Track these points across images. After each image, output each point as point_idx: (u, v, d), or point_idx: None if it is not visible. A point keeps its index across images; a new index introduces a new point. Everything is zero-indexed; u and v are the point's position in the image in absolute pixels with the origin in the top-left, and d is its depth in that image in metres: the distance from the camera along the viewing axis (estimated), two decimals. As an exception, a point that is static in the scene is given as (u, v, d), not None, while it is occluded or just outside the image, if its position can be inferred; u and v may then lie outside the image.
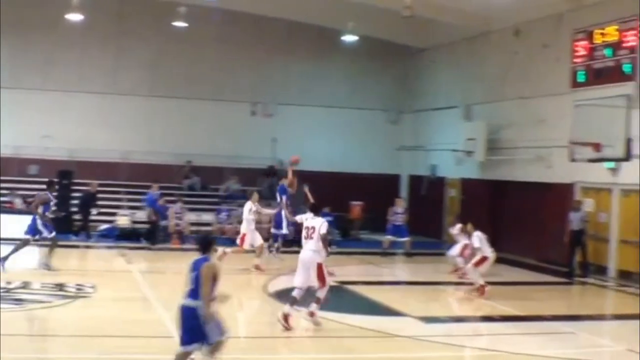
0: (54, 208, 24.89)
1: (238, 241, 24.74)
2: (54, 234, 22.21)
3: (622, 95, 22.55)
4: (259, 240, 24.80)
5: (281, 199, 26.52)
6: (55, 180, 25.42)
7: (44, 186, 23.29)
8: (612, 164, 25.38)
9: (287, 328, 15.65)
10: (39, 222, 22.05)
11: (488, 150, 31.79)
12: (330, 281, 16.90)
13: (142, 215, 31.77)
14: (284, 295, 19.95)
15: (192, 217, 32.12)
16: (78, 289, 19.25)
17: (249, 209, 24.88)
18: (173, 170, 36.59)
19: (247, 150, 36.98)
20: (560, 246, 26.59)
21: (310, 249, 16.30)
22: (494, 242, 32.59)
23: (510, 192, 31.39)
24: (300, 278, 16.29)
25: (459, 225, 24.52)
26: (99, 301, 18.27)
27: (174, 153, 36.45)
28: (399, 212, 29.89)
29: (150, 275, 23.19)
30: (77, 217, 31.58)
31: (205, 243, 11.47)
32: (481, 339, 16.50)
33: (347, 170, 38.09)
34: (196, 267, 11.06)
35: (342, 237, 33.36)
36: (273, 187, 36.92)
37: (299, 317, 16.46)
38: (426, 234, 35.21)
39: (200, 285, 10.87)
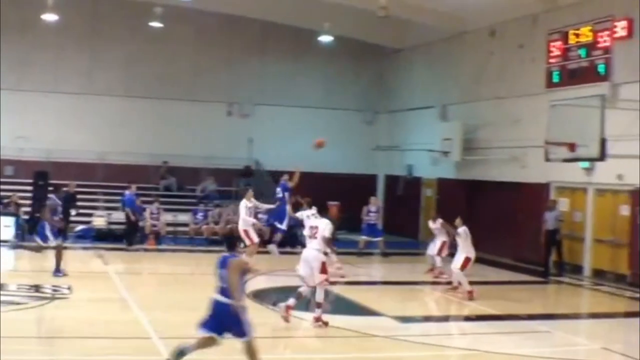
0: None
1: (247, 241, 24.52)
2: (60, 240, 22.14)
3: (596, 96, 22.66)
4: (255, 238, 24.81)
5: (283, 195, 26.25)
6: (62, 183, 25.03)
7: (51, 188, 23.32)
8: (586, 164, 25.52)
9: (287, 320, 16.12)
10: (47, 228, 21.96)
11: (464, 150, 31.90)
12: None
13: (119, 216, 31.67)
14: (262, 296, 20.01)
15: (168, 217, 32.04)
16: (54, 290, 19.17)
17: (245, 206, 24.83)
18: (149, 171, 36.51)
19: (223, 150, 36.92)
20: (536, 246, 26.74)
21: (314, 248, 16.71)
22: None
23: (486, 192, 31.51)
24: (303, 273, 16.69)
25: (440, 220, 24.53)
26: (76, 302, 18.22)
27: (150, 153, 36.36)
28: (372, 211, 29.95)
29: (126, 276, 23.13)
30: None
31: (231, 240, 12.03)
32: (457, 338, 16.57)
33: (324, 170, 38.01)
34: (225, 264, 11.49)
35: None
36: (250, 187, 37.00)
37: (277, 317, 16.47)
38: (402, 233, 35.32)
39: (230, 281, 11.28)
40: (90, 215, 31.90)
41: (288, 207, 25.75)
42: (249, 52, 38.45)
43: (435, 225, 24.95)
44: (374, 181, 40.04)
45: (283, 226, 26.55)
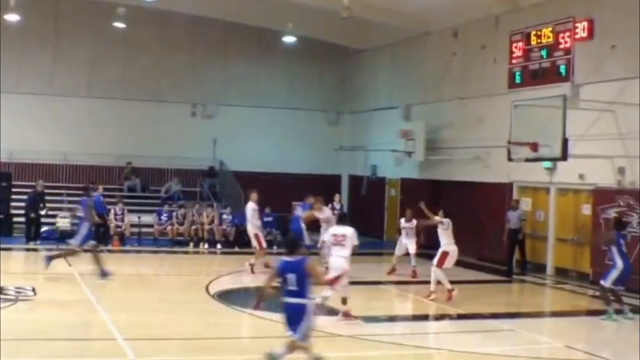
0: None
1: (256, 244, 24.61)
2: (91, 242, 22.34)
3: (558, 96, 22.87)
4: (264, 243, 24.84)
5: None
6: (91, 185, 24.88)
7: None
8: (549, 164, 25.73)
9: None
10: (84, 228, 22.38)
11: (427, 150, 32.04)
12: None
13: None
14: (226, 297, 20.02)
15: (132, 218, 31.93)
16: (18, 292, 19.04)
17: (252, 208, 24.70)
18: (113, 172, 36.42)
19: (187, 151, 36.87)
20: (499, 245, 26.91)
21: (342, 256, 17.19)
22: (433, 241, 32.86)
23: (450, 192, 31.62)
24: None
25: (415, 221, 24.51)
26: (40, 304, 18.14)
27: (114, 154, 36.27)
28: (337, 209, 29.90)
29: (91, 278, 23.02)
30: (22, 219, 31.16)
31: (294, 244, 12.26)
32: (421, 337, 16.64)
33: (288, 170, 38.17)
34: (292, 268, 11.87)
35: (283, 237, 33.34)
36: (214, 187, 37.03)
37: (240, 317, 16.48)
38: (367, 233, 35.36)
39: (306, 283, 11.81)
40: (54, 216, 31.72)
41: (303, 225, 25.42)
42: (213, 53, 38.45)
43: (409, 224, 24.92)
44: (338, 181, 40.12)
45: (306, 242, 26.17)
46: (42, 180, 32.02)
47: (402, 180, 35.24)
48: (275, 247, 31.07)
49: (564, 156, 22.16)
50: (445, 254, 20.57)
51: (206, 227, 31.30)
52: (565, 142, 21.81)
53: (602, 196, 24.35)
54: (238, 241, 31.37)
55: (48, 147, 34.87)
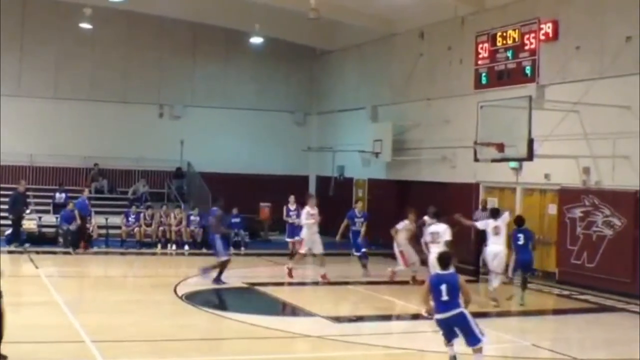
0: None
1: (298, 246, 24.48)
2: (230, 252, 23.26)
3: (524, 97, 23.01)
4: (319, 247, 24.27)
5: (354, 223, 26.16)
6: (219, 198, 24.79)
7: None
8: (515, 164, 25.88)
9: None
10: (218, 242, 22.69)
11: (394, 150, 32.15)
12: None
13: (49, 219, 31.48)
14: (194, 298, 20.01)
15: (100, 220, 31.78)
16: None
17: (307, 212, 24.32)
18: (80, 173, 36.29)
19: (155, 152, 36.82)
20: (466, 245, 27.01)
21: (437, 252, 17.34)
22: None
23: (417, 192, 31.74)
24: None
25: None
26: (6, 307, 17.98)
27: (81, 156, 36.16)
28: (292, 210, 29.51)
29: (58, 279, 22.96)
30: (7, 220, 30.90)
31: (448, 259, 13.14)
32: (391, 337, 16.70)
33: (255, 171, 38.19)
34: (445, 280, 12.71)
35: (251, 239, 33.36)
36: (181, 189, 36.97)
37: (208, 319, 16.45)
38: (334, 234, 35.39)
39: (460, 294, 12.67)
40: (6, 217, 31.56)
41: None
42: (180, 54, 38.43)
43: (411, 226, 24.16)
44: (306, 182, 40.17)
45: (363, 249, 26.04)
46: (25, 181, 31.93)
47: (370, 180, 35.33)
48: (242, 249, 31.10)
49: (530, 156, 22.29)
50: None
51: (174, 228, 31.24)
52: (531, 142, 21.94)
53: (567, 196, 24.55)
54: (205, 242, 31.34)
55: (13, 149, 34.58)
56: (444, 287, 12.59)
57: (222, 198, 24.00)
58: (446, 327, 12.78)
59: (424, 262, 21.47)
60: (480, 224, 20.94)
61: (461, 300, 12.68)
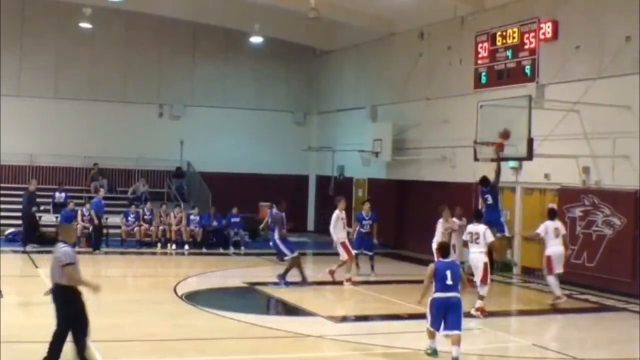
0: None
1: (344, 255, 23.51)
2: (296, 252, 22.66)
3: (524, 96, 23.02)
4: (352, 252, 23.80)
5: (362, 225, 25.13)
6: (283, 201, 24.36)
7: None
8: (515, 163, 25.91)
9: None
10: (280, 244, 22.65)
11: (394, 150, 32.17)
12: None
13: (49, 218, 31.50)
14: (194, 297, 20.01)
15: (100, 220, 31.79)
16: (-16, 295, 18.90)
17: (337, 216, 23.74)
18: (80, 173, 36.30)
19: (154, 152, 36.85)
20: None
21: (478, 251, 18.91)
22: (400, 241, 33.09)
23: (416, 192, 31.80)
24: (475, 275, 18.84)
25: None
26: (6, 306, 18.00)
27: (81, 156, 36.19)
28: (273, 213, 28.70)
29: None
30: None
31: (447, 248, 14.89)
32: (391, 336, 16.68)
33: (255, 171, 38.20)
34: (449, 267, 14.08)
35: (251, 238, 33.36)
36: (181, 188, 36.97)
37: (208, 318, 16.44)
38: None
39: (459, 282, 14.12)
40: (20, 217, 31.59)
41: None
42: (180, 54, 38.44)
43: (460, 222, 23.67)
44: (306, 182, 40.21)
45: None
46: (35, 180, 31.97)
47: (370, 180, 35.35)
48: (242, 248, 31.12)
49: (530, 156, 22.30)
50: (548, 259, 20.40)
51: (174, 228, 31.24)
52: (530, 142, 21.95)
53: (567, 195, 24.56)
54: (205, 242, 31.38)
55: (14, 149, 34.61)
56: (449, 273, 13.89)
57: (283, 201, 23.43)
58: (440, 306, 13.82)
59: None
60: (541, 230, 20.45)
61: (460, 287, 14.09)
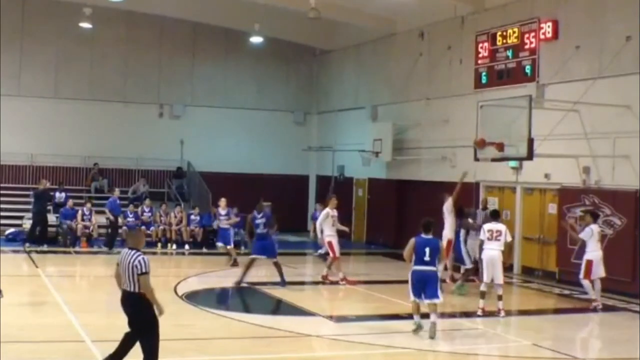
0: None
1: (331, 253, 23.51)
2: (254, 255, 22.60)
3: (524, 96, 23.01)
4: (338, 252, 23.60)
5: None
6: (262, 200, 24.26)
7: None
8: (515, 163, 25.92)
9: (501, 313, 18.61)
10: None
11: (394, 150, 32.17)
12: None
13: (50, 218, 31.51)
14: (194, 297, 20.01)
15: (100, 219, 31.76)
16: (-16, 295, 18.89)
17: (327, 214, 23.92)
18: (80, 173, 36.31)
19: (155, 152, 36.86)
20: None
21: (497, 249, 18.83)
22: (400, 240, 32.95)
23: (416, 192, 31.77)
24: (487, 274, 18.83)
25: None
26: (6, 307, 17.99)
27: (81, 155, 36.20)
28: (222, 215, 28.66)
29: (58, 279, 22.96)
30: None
31: (430, 225, 15.94)
32: (393, 337, 16.70)
33: (255, 171, 38.20)
34: (428, 243, 15.71)
35: (251, 238, 33.25)
36: (181, 188, 36.97)
37: (208, 318, 16.44)
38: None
39: (439, 256, 16.08)
40: (20, 217, 31.61)
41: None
42: (180, 54, 38.42)
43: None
44: (306, 182, 40.20)
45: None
46: (46, 180, 31.98)
47: (370, 180, 35.33)
48: (242, 248, 31.09)
49: (530, 156, 22.28)
50: (589, 263, 20.18)
51: (174, 227, 31.24)
52: (530, 141, 21.93)
53: (567, 195, 24.56)
54: (206, 242, 31.37)
55: (14, 148, 34.60)
56: (427, 249, 15.60)
57: (262, 200, 23.72)
58: (418, 278, 15.72)
59: None
60: (584, 235, 20.19)
61: (437, 261, 15.96)
